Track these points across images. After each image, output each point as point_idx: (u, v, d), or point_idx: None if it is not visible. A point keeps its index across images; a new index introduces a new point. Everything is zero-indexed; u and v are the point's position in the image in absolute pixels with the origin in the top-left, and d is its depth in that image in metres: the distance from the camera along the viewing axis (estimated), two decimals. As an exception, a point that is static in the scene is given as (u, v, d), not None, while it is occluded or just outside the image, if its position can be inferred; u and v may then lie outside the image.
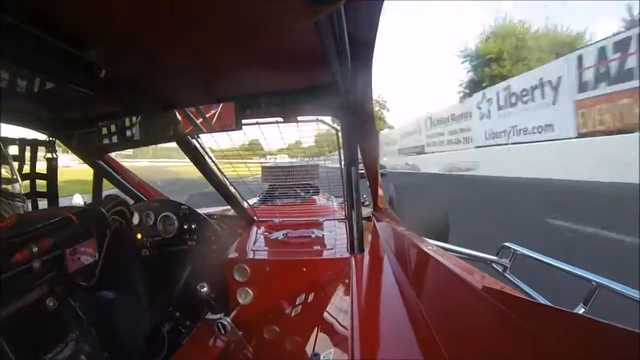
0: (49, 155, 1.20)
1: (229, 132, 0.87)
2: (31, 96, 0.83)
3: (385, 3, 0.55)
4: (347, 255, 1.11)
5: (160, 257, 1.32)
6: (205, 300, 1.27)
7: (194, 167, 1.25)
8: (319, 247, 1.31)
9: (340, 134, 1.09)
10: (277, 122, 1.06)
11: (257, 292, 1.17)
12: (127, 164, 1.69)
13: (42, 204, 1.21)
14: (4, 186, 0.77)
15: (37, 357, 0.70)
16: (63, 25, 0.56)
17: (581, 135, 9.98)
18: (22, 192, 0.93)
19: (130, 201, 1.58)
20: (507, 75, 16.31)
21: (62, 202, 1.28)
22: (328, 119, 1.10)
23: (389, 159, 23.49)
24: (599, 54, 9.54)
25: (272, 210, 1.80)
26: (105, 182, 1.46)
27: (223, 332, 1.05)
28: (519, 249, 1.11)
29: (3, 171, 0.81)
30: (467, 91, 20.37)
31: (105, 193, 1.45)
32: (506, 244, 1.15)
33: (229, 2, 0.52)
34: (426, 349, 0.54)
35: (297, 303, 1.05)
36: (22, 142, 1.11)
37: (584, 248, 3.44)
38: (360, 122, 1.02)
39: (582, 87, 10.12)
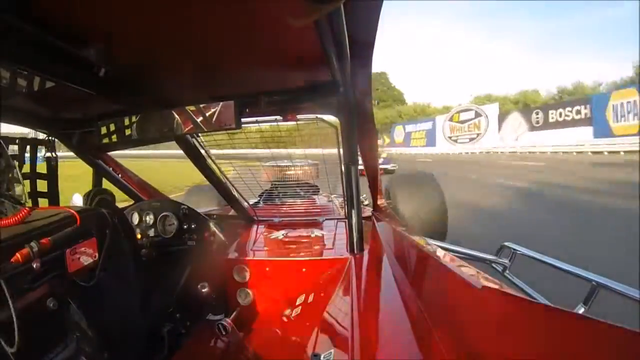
0: (48, 154, 1.20)
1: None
2: (31, 95, 0.82)
3: (384, 3, 0.55)
4: (346, 255, 1.10)
5: (160, 257, 1.32)
6: (205, 301, 1.27)
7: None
8: (318, 247, 1.31)
9: (339, 132, 1.09)
10: (276, 121, 1.06)
11: (257, 293, 1.17)
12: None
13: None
14: (7, 186, 0.77)
15: (37, 358, 0.70)
16: (63, 25, 0.56)
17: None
18: (25, 193, 0.93)
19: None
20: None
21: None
22: (328, 117, 1.10)
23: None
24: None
25: (272, 210, 1.80)
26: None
27: (223, 333, 1.05)
28: (518, 249, 1.11)
29: (6, 171, 0.80)
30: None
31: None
32: (505, 243, 1.15)
33: (229, 2, 0.52)
34: (426, 349, 0.54)
35: (297, 303, 1.05)
36: (22, 142, 1.11)
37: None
38: (359, 121, 1.02)
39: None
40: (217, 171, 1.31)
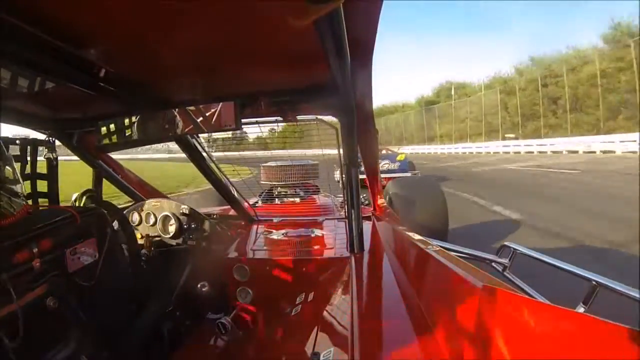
0: (48, 155, 1.20)
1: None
2: (31, 96, 0.83)
3: (384, 3, 0.55)
4: (347, 254, 1.11)
5: (160, 257, 1.32)
6: (205, 300, 1.27)
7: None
8: (318, 247, 1.31)
9: (339, 133, 1.09)
10: (276, 122, 1.06)
11: (257, 292, 1.17)
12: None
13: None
14: (7, 186, 0.77)
15: (37, 357, 0.70)
16: (63, 25, 0.56)
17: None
18: (24, 192, 0.93)
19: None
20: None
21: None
22: (327, 118, 1.10)
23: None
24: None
25: (271, 210, 1.80)
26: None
27: (223, 331, 1.05)
28: (518, 248, 1.11)
29: (6, 171, 0.81)
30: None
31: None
32: (506, 243, 1.14)
33: (228, 2, 0.52)
34: (426, 348, 0.54)
35: (297, 302, 1.05)
36: (23, 142, 1.11)
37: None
38: (359, 122, 1.02)
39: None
40: (216, 171, 1.31)
